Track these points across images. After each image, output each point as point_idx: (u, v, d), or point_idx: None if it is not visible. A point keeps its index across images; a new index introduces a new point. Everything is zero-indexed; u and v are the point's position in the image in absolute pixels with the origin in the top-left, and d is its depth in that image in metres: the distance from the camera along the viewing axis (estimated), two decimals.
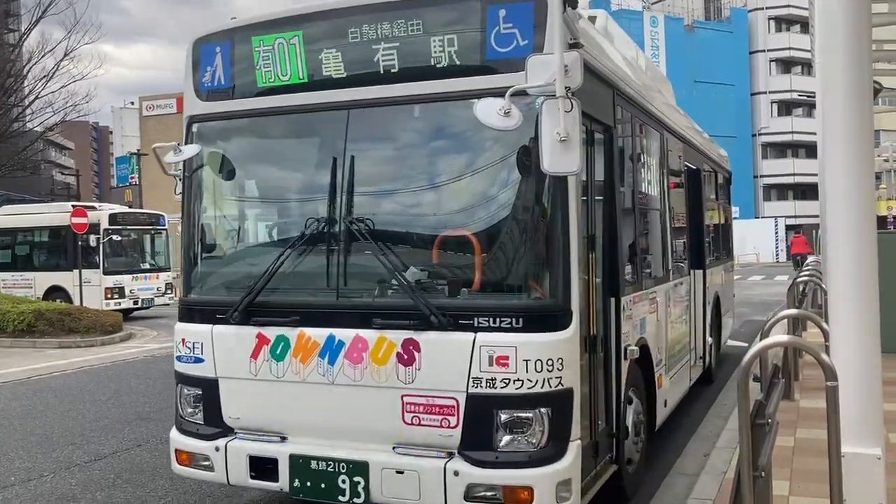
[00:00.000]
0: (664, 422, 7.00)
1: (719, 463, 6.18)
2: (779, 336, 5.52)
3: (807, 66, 56.45)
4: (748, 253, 50.16)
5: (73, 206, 21.82)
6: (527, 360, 4.20)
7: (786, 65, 63.71)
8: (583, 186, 4.80)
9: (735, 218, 60.61)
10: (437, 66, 4.47)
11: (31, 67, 30.28)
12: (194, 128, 5.29)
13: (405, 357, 4.41)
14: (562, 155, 3.84)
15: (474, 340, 4.27)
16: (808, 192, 58.95)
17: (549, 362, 4.21)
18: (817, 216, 4.19)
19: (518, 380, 4.21)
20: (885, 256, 9.11)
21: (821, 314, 8.57)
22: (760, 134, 62.04)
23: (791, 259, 38.95)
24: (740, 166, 59.06)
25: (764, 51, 63.17)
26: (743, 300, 22.37)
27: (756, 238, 51.81)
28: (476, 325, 4.29)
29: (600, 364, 5.09)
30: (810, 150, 57.65)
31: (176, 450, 5.16)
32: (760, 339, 6.27)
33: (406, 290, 4.45)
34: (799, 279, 11.01)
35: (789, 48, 62.19)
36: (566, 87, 3.81)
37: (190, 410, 5.14)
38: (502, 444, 4.24)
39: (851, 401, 3.37)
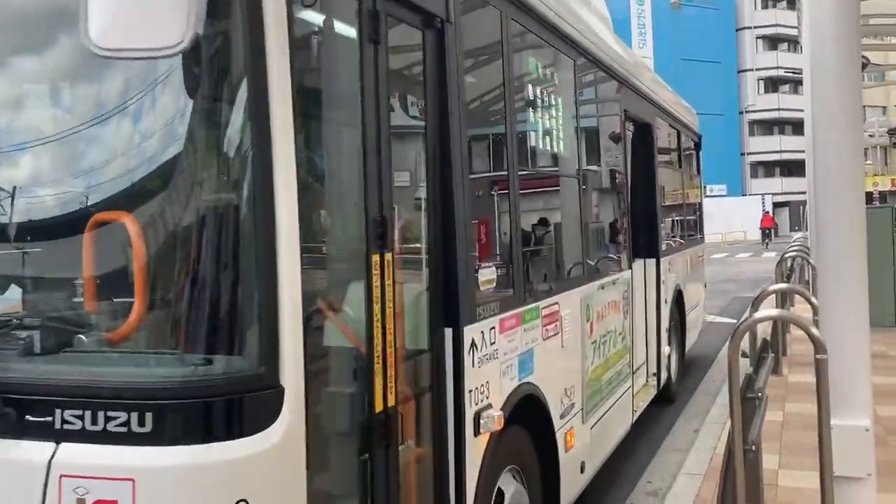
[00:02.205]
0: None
1: (709, 438, 6.25)
2: (769, 310, 5.57)
3: (793, 43, 56.47)
4: (736, 230, 50.47)
5: None
6: None
7: (772, 41, 63.70)
8: (367, 125, 2.63)
9: (722, 195, 60.47)
10: None
11: None
12: None
13: None
14: (125, 5, 1.82)
15: (50, 463, 2.03)
16: (794, 168, 59.12)
17: None
18: (804, 192, 4.00)
19: None
20: (874, 231, 9.20)
21: (808, 289, 8.64)
22: (747, 111, 62.15)
23: (761, 231, 45.36)
24: (727, 144, 59.54)
25: (750, 28, 63.11)
26: (731, 277, 22.61)
27: (743, 215, 52.09)
28: (60, 424, 2.05)
29: (419, 458, 2.97)
30: (797, 127, 57.80)
31: None
32: (750, 314, 6.31)
33: None
34: (787, 255, 11.09)
35: (776, 25, 62.15)
36: None
37: None
38: None
39: (840, 373, 3.40)
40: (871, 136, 49.44)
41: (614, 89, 6.14)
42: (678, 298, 8.23)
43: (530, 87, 4.37)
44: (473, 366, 3.16)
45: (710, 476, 5.21)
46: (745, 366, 5.64)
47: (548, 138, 4.64)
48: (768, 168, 63.53)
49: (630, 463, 6.15)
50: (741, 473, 3.39)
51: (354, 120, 2.63)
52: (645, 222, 7.05)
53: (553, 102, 4.71)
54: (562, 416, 4.28)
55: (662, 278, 7.27)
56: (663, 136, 8.19)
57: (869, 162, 61.77)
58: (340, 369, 2.65)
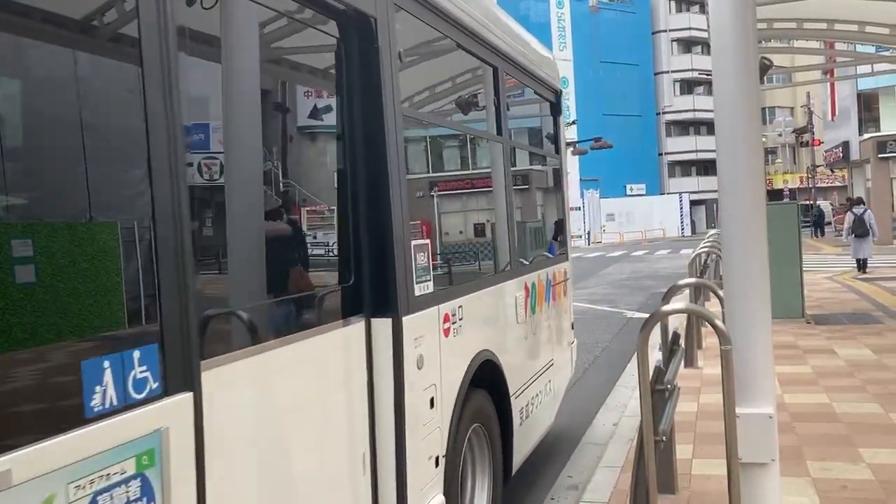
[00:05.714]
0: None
1: (627, 431, 6.40)
2: (675, 303, 5.70)
3: (706, 46, 58.12)
4: (655, 228, 52.02)
5: None
6: None
7: (686, 44, 65.55)
8: None
9: (641, 194, 61.65)
10: None
11: None
12: None
13: None
14: None
15: None
16: (709, 167, 60.98)
17: None
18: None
19: None
20: (781, 226, 9.52)
21: (721, 284, 8.92)
22: (664, 112, 63.77)
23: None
24: (646, 144, 61.07)
25: (666, 31, 64.81)
26: (651, 274, 23.21)
27: (662, 213, 53.72)
28: None
29: None
30: (711, 128, 58.59)
31: None
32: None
33: None
34: (700, 250, 11.42)
35: (689, 28, 63.99)
36: None
37: None
38: None
39: (745, 363, 3.52)
40: (779, 135, 51.37)
41: None
42: (489, 376, 4.34)
43: None
44: None
45: (627, 468, 5.33)
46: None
47: None
48: (685, 167, 65.35)
49: (551, 460, 6.24)
50: (652, 463, 3.49)
51: None
52: (368, 242, 3.30)
53: None
54: None
55: (418, 356, 3.43)
56: (438, 66, 4.54)
57: (779, 160, 64.33)
58: None
